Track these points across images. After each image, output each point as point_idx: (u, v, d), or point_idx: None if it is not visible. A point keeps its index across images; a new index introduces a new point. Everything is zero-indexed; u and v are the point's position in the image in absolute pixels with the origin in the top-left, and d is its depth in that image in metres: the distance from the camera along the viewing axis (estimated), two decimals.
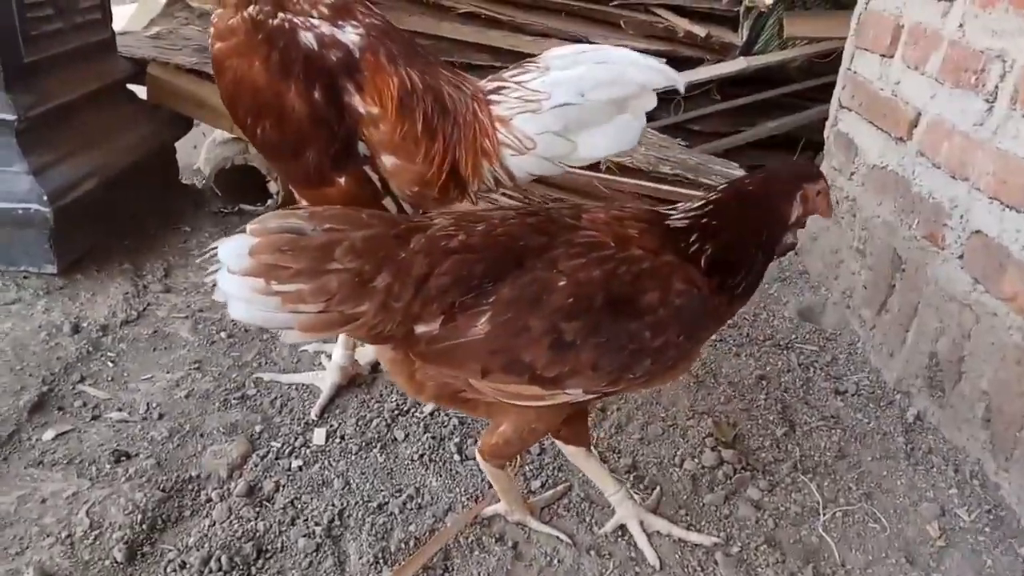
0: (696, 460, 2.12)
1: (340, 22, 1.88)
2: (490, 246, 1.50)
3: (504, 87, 1.91)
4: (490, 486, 1.97)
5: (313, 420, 2.19)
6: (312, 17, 1.87)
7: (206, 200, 3.51)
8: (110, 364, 2.36)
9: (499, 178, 1.96)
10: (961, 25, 2.29)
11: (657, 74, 1.87)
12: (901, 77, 2.63)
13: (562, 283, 1.47)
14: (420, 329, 1.48)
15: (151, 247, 3.03)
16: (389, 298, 1.43)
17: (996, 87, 2.11)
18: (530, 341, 1.47)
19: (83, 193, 2.71)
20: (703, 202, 1.64)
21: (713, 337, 2.72)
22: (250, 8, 1.84)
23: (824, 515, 1.98)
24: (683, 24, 4.18)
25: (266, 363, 2.43)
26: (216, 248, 1.37)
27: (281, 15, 1.85)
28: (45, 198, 2.54)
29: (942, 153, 2.34)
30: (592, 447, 1.92)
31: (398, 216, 1.55)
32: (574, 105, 1.83)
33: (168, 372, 2.34)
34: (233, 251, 1.34)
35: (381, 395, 2.31)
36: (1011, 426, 1.98)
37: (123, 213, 3.02)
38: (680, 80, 1.92)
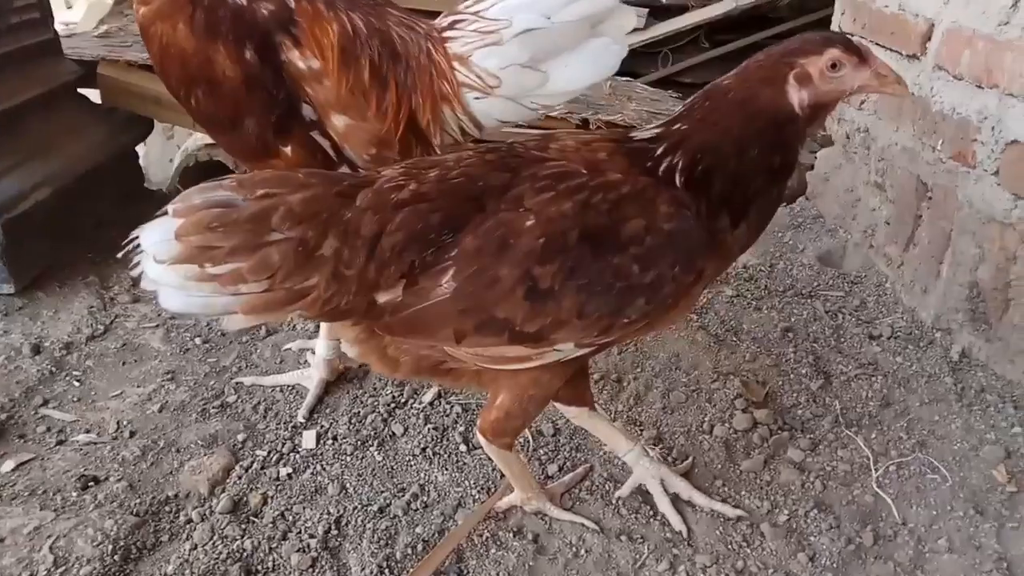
0: (727, 425, 1.91)
1: None
2: (446, 192, 1.30)
3: (460, 20, 1.68)
4: (502, 475, 1.77)
5: (301, 422, 1.98)
6: None
7: None
8: (75, 383, 2.15)
9: (464, 126, 1.73)
10: None
11: None
12: None
13: (530, 222, 1.27)
14: (382, 298, 1.29)
15: (117, 257, 2.81)
16: (340, 266, 1.24)
17: None
18: (502, 293, 1.27)
19: (34, 204, 2.49)
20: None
21: (729, 292, 2.52)
22: None
23: (877, 470, 1.77)
24: None
25: (247, 366, 2.22)
26: (137, 236, 1.18)
27: None
28: None
29: (963, 63, 2.12)
30: (595, 407, 1.71)
31: (339, 173, 1.33)
32: (539, 30, 1.61)
33: (139, 386, 2.13)
34: (157, 237, 1.17)
35: (375, 388, 2.11)
36: None
37: (84, 224, 2.81)
38: None
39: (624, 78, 3.63)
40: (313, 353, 2.15)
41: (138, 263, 1.19)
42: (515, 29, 1.61)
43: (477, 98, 1.69)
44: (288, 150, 1.73)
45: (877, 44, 2.60)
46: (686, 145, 1.32)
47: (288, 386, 2.11)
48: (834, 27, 2.94)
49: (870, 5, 2.63)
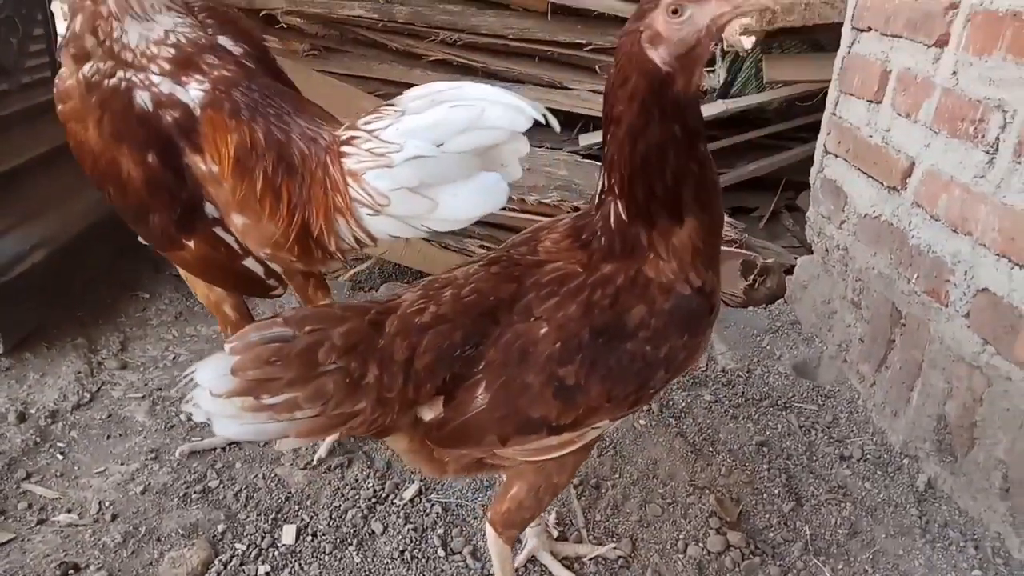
0: (701, 545, 1.96)
1: (184, 77, 1.77)
2: (462, 310, 1.40)
3: (357, 136, 1.72)
4: None
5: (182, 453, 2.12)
6: (153, 73, 1.75)
7: (165, 262, 3.31)
8: (59, 456, 2.16)
9: (359, 237, 1.79)
10: (955, 72, 2.21)
11: (519, 113, 1.60)
12: (891, 124, 2.54)
13: (544, 330, 1.37)
14: (426, 415, 1.41)
15: (106, 318, 2.84)
16: (383, 390, 1.35)
17: (997, 138, 2.01)
18: (534, 397, 1.37)
19: (31, 266, 2.52)
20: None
21: (708, 398, 2.59)
22: (86, 67, 1.75)
23: None
24: None
25: (230, 447, 2.24)
26: (195, 373, 1.26)
27: (120, 74, 1.75)
28: None
29: (940, 205, 2.24)
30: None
31: (368, 303, 1.42)
32: (429, 157, 1.62)
33: (123, 464, 2.15)
34: (214, 373, 1.24)
35: (357, 480, 2.13)
36: None
37: (75, 282, 2.83)
38: (540, 113, 1.61)
39: None
40: None
41: (191, 398, 1.26)
42: (405, 154, 1.63)
43: (369, 214, 1.74)
44: (191, 244, 1.86)
45: (860, 170, 2.73)
46: (607, 163, 1.38)
47: (270, 473, 2.13)
48: (819, 146, 3.07)
49: (855, 132, 2.76)
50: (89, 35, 1.76)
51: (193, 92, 1.77)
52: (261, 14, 4.17)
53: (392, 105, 1.71)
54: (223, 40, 1.88)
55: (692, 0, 1.23)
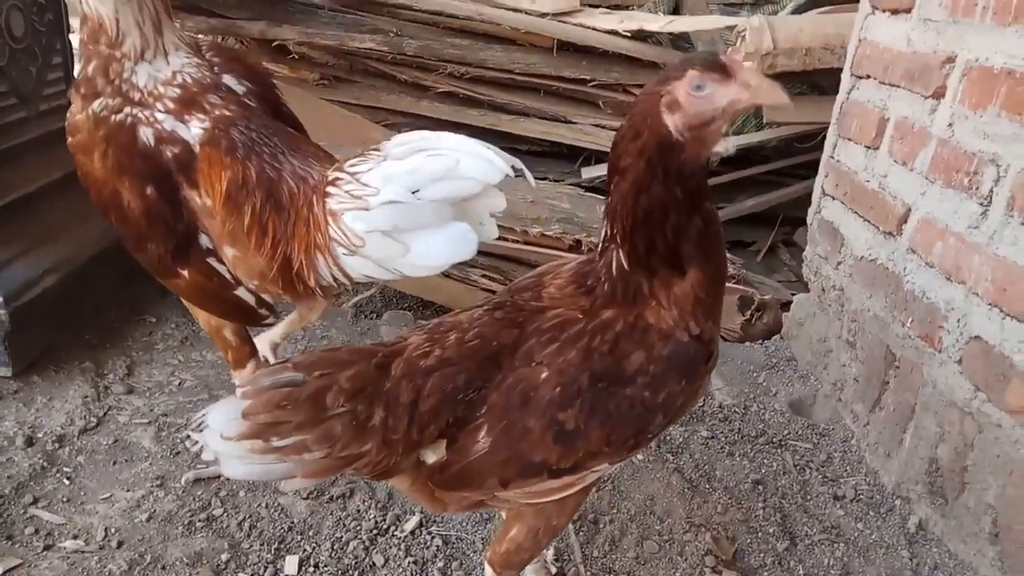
0: None
1: (186, 116, 1.86)
2: (466, 355, 1.44)
3: (340, 178, 1.80)
4: None
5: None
6: (158, 111, 1.85)
7: None
8: (66, 481, 2.19)
9: (336, 275, 1.88)
10: (951, 124, 2.27)
11: (491, 166, 1.66)
12: (888, 171, 2.61)
13: (544, 375, 1.40)
14: (430, 458, 1.45)
15: (113, 342, 2.87)
16: (388, 432, 1.39)
17: (991, 191, 2.07)
18: (534, 441, 1.41)
19: (42, 291, 2.56)
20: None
21: (704, 434, 2.63)
22: (95, 103, 1.84)
23: None
24: None
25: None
26: (205, 416, 1.30)
27: (127, 110, 1.84)
28: (1, 299, 2.39)
29: (935, 253, 2.30)
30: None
31: (375, 346, 1.46)
32: (403, 204, 1.69)
33: (128, 490, 2.18)
34: (225, 417, 1.29)
35: (359, 511, 2.17)
36: (1022, 547, 1.89)
37: (84, 306, 2.87)
38: (512, 168, 1.69)
39: None
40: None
41: (200, 440, 1.31)
42: (382, 198, 1.70)
43: (344, 254, 1.81)
44: (186, 272, 1.96)
45: (857, 213, 2.79)
46: (611, 211, 1.42)
47: (273, 503, 2.16)
48: (817, 187, 3.14)
49: (853, 177, 2.83)
50: (101, 77, 1.85)
51: (194, 130, 1.86)
52: (274, 44, 4.26)
53: (377, 148, 1.79)
54: (227, 79, 1.97)
55: (715, 80, 1.29)
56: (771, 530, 2.21)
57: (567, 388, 1.39)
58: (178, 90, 1.87)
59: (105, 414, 2.49)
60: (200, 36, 2.19)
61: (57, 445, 2.31)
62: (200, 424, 1.30)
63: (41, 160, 2.79)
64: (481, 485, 1.46)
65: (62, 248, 2.75)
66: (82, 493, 2.16)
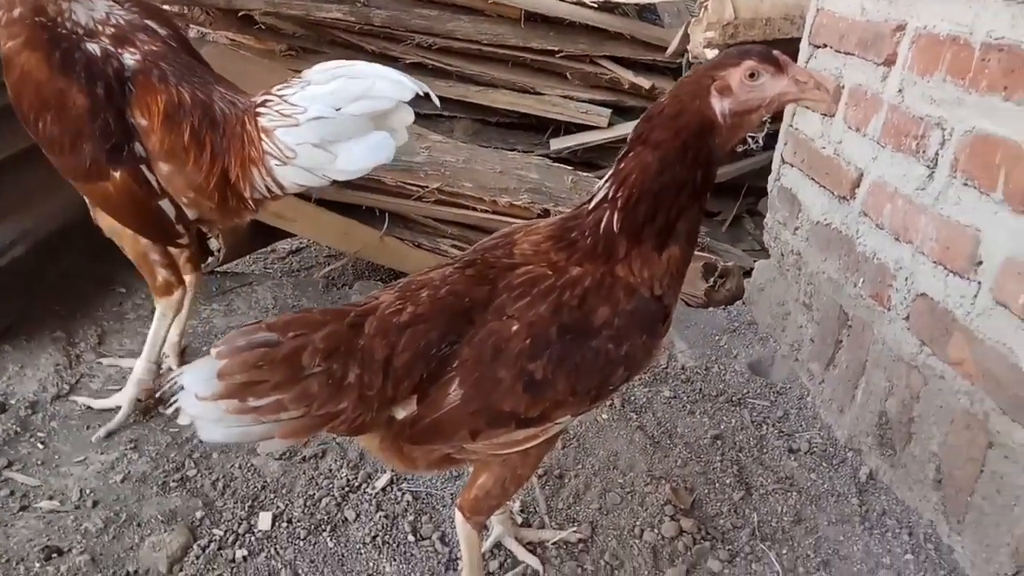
0: (656, 531, 2.09)
1: (119, 49, 2.10)
2: (439, 311, 1.49)
3: (270, 100, 2.06)
4: (448, 567, 1.92)
5: (102, 438, 2.24)
6: (100, 41, 2.09)
7: None
8: (40, 446, 2.22)
9: (269, 187, 2.12)
10: (900, 90, 2.36)
11: (404, 87, 1.95)
12: (843, 137, 2.69)
13: (515, 328, 1.47)
14: (400, 413, 1.49)
15: (84, 311, 2.89)
16: (364, 389, 1.43)
17: (936, 154, 2.16)
18: (505, 391, 1.47)
19: (11, 261, 2.57)
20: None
21: (667, 393, 2.72)
22: (39, 17, 2.02)
23: None
24: (627, 76, 4.25)
25: None
26: (180, 377, 1.31)
27: (72, 29, 2.05)
28: None
29: (885, 215, 2.39)
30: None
31: (347, 306, 1.51)
32: (328, 119, 1.97)
33: (102, 453, 2.21)
34: (200, 377, 1.30)
35: (331, 470, 2.23)
36: (961, 491, 2.00)
37: (54, 276, 2.88)
38: (421, 87, 1.98)
39: (585, 172, 3.88)
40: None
41: (175, 401, 1.31)
42: (309, 115, 1.99)
43: (277, 165, 2.07)
44: (118, 175, 2.10)
45: (814, 180, 2.88)
46: (621, 176, 1.49)
47: (247, 464, 2.21)
48: (776, 155, 3.22)
49: (810, 144, 2.91)
50: (32, 13, 2.02)
51: (128, 61, 2.10)
52: (240, 14, 4.23)
53: (299, 76, 2.05)
54: (151, 23, 2.21)
55: (769, 72, 1.40)
56: (728, 481, 2.31)
57: (537, 340, 1.47)
58: (112, 28, 2.11)
59: (77, 381, 2.52)
60: None
61: (30, 411, 2.34)
62: (173, 385, 1.31)
63: (5, 132, 2.77)
64: (452, 437, 1.52)
65: (30, 219, 2.76)
66: (56, 457, 2.20)
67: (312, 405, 1.38)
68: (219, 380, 1.30)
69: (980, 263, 1.98)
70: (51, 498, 2.04)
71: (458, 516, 1.72)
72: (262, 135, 2.06)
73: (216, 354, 1.31)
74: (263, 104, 2.07)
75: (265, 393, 1.33)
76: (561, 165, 3.93)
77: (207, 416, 1.32)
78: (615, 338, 1.50)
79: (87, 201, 2.30)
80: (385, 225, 3.41)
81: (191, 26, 4.35)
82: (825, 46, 2.88)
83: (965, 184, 2.05)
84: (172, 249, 2.35)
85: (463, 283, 1.53)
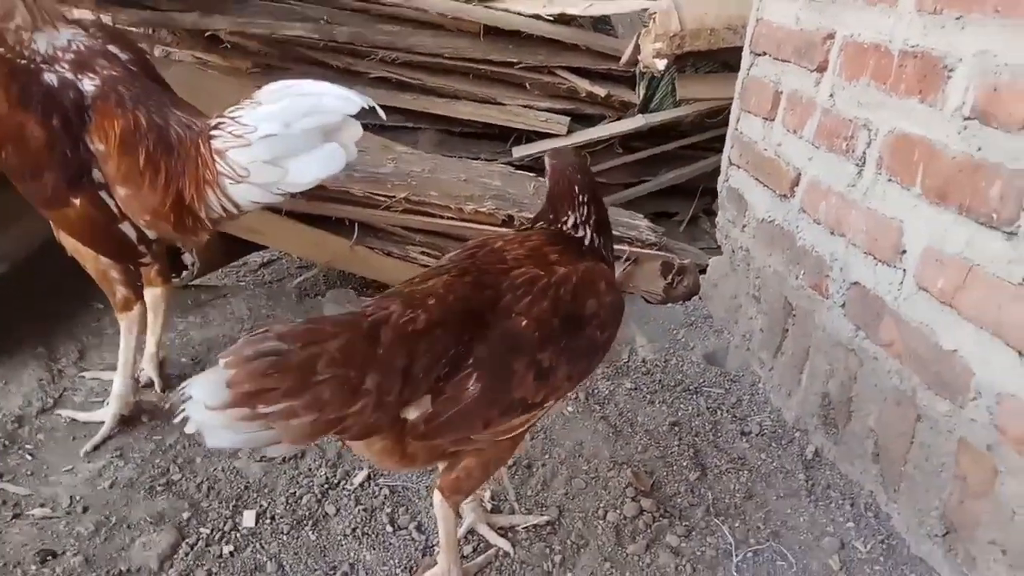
0: (618, 511, 2.24)
1: (79, 75, 2.17)
2: (451, 316, 1.62)
3: (222, 122, 2.14)
4: (424, 553, 2.05)
5: (88, 451, 2.33)
6: (58, 69, 2.15)
7: None
8: (28, 457, 2.31)
9: (225, 206, 2.20)
10: (832, 95, 2.54)
11: (348, 101, 2.04)
12: (782, 139, 2.87)
13: (524, 323, 1.66)
14: (411, 414, 1.59)
15: (64, 328, 2.97)
16: (382, 395, 1.50)
17: (864, 153, 2.35)
18: (519, 381, 1.66)
19: None
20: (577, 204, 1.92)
21: (628, 385, 2.88)
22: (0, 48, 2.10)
23: (736, 557, 2.12)
24: (584, 85, 4.42)
25: (189, 444, 2.42)
26: (188, 387, 1.34)
27: (31, 59, 2.12)
28: None
29: (821, 211, 2.57)
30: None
31: (354, 315, 1.59)
32: (278, 136, 2.06)
33: (89, 462, 2.31)
34: (209, 388, 1.33)
35: (310, 469, 2.34)
36: (896, 462, 2.18)
37: (32, 295, 2.96)
38: (367, 102, 2.07)
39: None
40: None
41: (183, 411, 1.34)
42: (260, 133, 2.06)
43: (231, 184, 2.14)
44: (78, 202, 2.19)
45: (758, 180, 3.06)
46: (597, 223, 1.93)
47: (229, 467, 2.33)
48: (724, 157, 3.40)
49: (753, 146, 3.10)
50: None
51: (87, 87, 2.16)
52: (206, 34, 4.33)
53: (251, 98, 2.13)
54: (112, 48, 2.28)
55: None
56: (684, 463, 2.46)
57: (543, 332, 1.67)
58: (72, 55, 2.18)
59: (61, 395, 2.61)
60: (85, 18, 2.44)
61: (17, 425, 2.43)
62: (182, 396, 1.33)
63: None
64: (468, 428, 1.65)
65: (7, 240, 2.84)
66: (45, 467, 2.29)
67: (324, 410, 1.42)
68: (228, 389, 1.32)
69: (904, 252, 2.16)
70: (42, 505, 2.13)
71: (437, 496, 1.82)
72: (215, 156, 2.12)
73: (224, 364, 1.34)
74: (216, 127, 2.14)
75: (275, 400, 1.36)
76: (523, 172, 4.09)
77: (215, 424, 1.34)
78: (600, 327, 1.76)
79: (51, 222, 2.37)
80: (355, 235, 3.52)
81: (157, 46, 4.43)
82: (765, 54, 3.06)
83: (889, 180, 2.24)
84: (141, 266, 2.44)
85: (466, 289, 1.68)
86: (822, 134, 2.60)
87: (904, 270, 2.16)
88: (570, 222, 1.92)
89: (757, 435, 2.63)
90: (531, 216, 3.49)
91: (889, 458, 2.22)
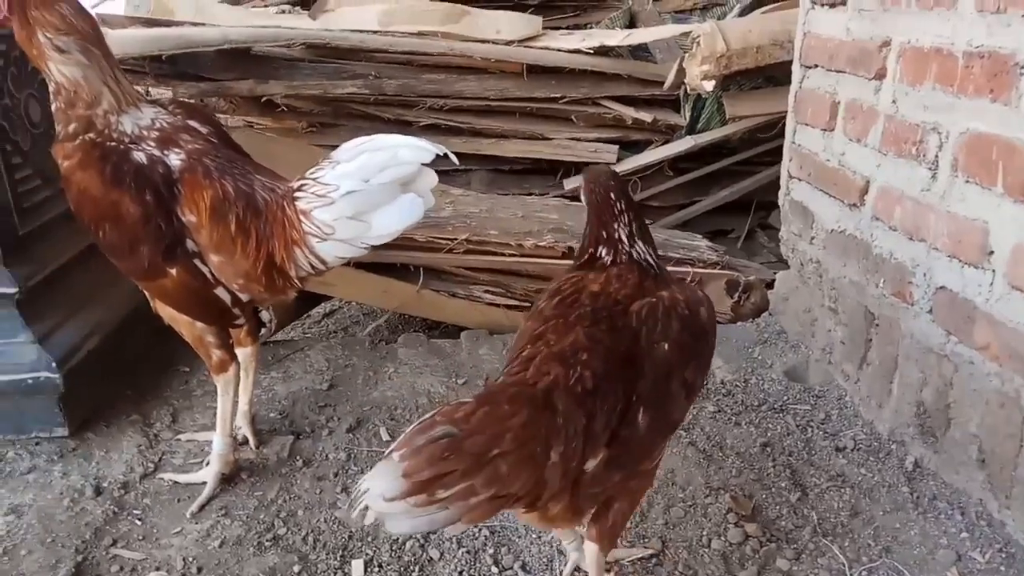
0: (723, 538, 2.22)
1: (165, 151, 2.27)
2: (610, 366, 1.64)
3: (305, 184, 2.23)
4: None
5: (194, 512, 2.37)
6: (145, 147, 2.26)
7: None
8: (138, 522, 2.38)
9: (312, 263, 2.28)
10: (894, 101, 2.54)
11: (423, 151, 2.11)
12: (845, 149, 2.86)
13: (667, 347, 1.71)
14: (591, 465, 1.59)
15: (155, 394, 3.07)
16: (567, 461, 1.50)
17: (936, 156, 2.33)
18: (676, 402, 1.74)
19: (87, 353, 2.75)
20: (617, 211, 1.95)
21: (711, 408, 2.87)
22: (89, 134, 2.21)
23: None
24: (629, 112, 4.46)
25: (290, 498, 2.47)
26: (364, 484, 1.34)
27: (120, 140, 2.23)
28: (54, 364, 2.58)
29: (896, 217, 2.55)
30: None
31: (520, 384, 1.57)
32: (359, 191, 2.13)
33: (197, 523, 2.37)
34: (385, 482, 1.33)
35: None
36: (1005, 466, 2.13)
37: (123, 364, 3.07)
38: (440, 149, 2.13)
39: None
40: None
41: (363, 505, 1.34)
42: (341, 191, 2.14)
43: (318, 242, 2.22)
44: (174, 272, 2.27)
45: (822, 191, 3.05)
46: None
47: (331, 517, 2.36)
48: (783, 171, 3.40)
49: (814, 158, 3.09)
50: (84, 132, 2.20)
51: (174, 161, 2.26)
52: (262, 99, 4.49)
53: (329, 158, 2.22)
54: (192, 123, 2.39)
55: None
56: (783, 484, 2.43)
57: (683, 352, 1.73)
58: (157, 132, 2.29)
59: (160, 459, 2.68)
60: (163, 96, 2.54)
61: (123, 491, 2.50)
62: (360, 493, 1.33)
63: (67, 234, 2.99)
64: (640, 461, 1.72)
65: (97, 312, 2.95)
66: (155, 530, 2.35)
67: (503, 485, 1.40)
68: (405, 479, 1.32)
69: (991, 253, 2.13)
70: (158, 569, 2.19)
71: (593, 549, 1.81)
72: (301, 217, 2.20)
73: (399, 456, 1.34)
74: (300, 188, 2.23)
75: (455, 482, 1.35)
76: (578, 203, 4.10)
77: (395, 513, 1.33)
78: (710, 335, 1.84)
79: (146, 293, 2.46)
80: (421, 279, 3.59)
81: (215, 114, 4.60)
82: (816, 66, 3.07)
83: (967, 181, 2.21)
84: (235, 327, 2.53)
85: (606, 335, 1.70)
86: (888, 140, 2.59)
87: (993, 271, 2.13)
88: (616, 235, 1.93)
89: (853, 450, 2.59)
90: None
91: (997, 463, 2.17)
